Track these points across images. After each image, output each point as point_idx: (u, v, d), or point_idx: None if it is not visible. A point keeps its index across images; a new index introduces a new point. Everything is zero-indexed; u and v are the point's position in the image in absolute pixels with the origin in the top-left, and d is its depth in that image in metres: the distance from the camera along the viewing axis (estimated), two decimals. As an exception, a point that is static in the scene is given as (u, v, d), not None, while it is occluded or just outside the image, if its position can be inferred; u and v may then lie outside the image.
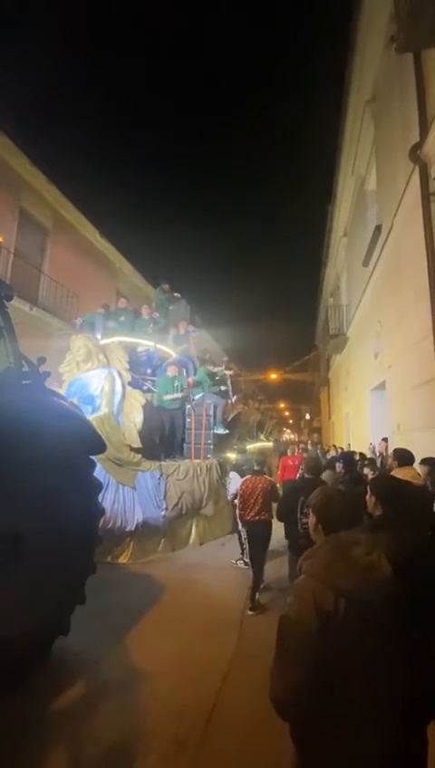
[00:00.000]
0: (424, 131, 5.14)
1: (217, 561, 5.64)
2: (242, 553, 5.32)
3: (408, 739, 1.11)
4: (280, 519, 3.56)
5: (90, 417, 5.04)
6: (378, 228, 7.83)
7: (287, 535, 3.48)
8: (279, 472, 9.16)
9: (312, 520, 1.38)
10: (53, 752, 2.23)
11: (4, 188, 9.76)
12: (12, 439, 2.65)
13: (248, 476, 4.67)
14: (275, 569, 4.92)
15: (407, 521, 1.42)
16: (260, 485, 4.43)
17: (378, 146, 8.21)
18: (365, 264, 8.95)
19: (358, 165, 10.02)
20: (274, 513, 3.99)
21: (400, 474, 3.35)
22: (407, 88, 5.72)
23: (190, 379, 7.58)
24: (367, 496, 1.81)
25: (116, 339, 7.15)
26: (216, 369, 8.41)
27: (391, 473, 3.59)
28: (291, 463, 8.84)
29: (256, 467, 4.72)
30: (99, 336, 7.30)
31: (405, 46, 4.64)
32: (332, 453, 10.41)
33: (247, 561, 4.98)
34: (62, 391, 5.81)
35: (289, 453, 9.27)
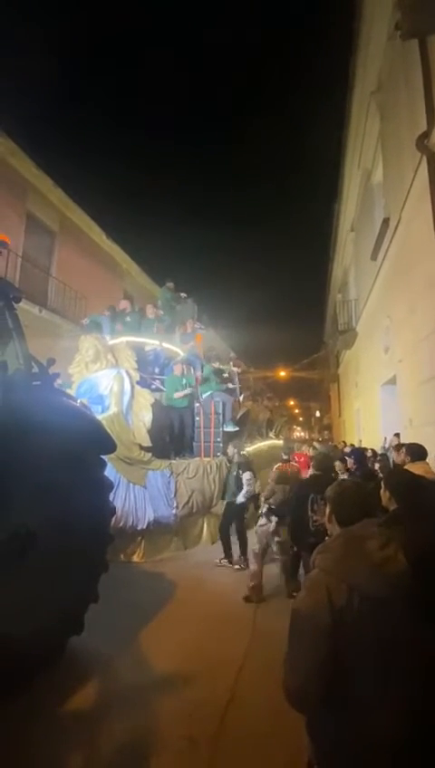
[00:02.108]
0: (431, 120, 5.04)
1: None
2: (224, 556, 5.39)
3: (422, 736, 1.09)
4: (291, 522, 3.46)
5: (99, 417, 5.07)
6: (386, 221, 7.73)
7: (295, 533, 3.40)
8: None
9: (327, 511, 1.37)
10: (68, 749, 2.24)
11: (11, 192, 9.87)
12: (23, 439, 2.67)
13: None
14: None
15: (423, 515, 1.39)
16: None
17: (384, 137, 8.09)
18: (373, 257, 8.85)
19: (364, 158, 9.91)
20: None
21: (412, 469, 3.30)
22: (413, 76, 5.62)
23: (199, 374, 7.57)
24: (381, 491, 1.78)
25: (123, 339, 7.18)
26: (223, 366, 8.39)
27: (404, 468, 3.53)
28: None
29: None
30: (106, 337, 7.33)
31: (410, 32, 4.57)
32: (347, 449, 10.22)
33: (225, 561, 5.35)
34: (71, 392, 5.85)
35: (284, 454, 8.77)
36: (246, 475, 5.50)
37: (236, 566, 5.24)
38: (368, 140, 9.24)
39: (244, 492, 5.43)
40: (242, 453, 6.28)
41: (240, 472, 5.54)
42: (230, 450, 6.01)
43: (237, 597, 4.29)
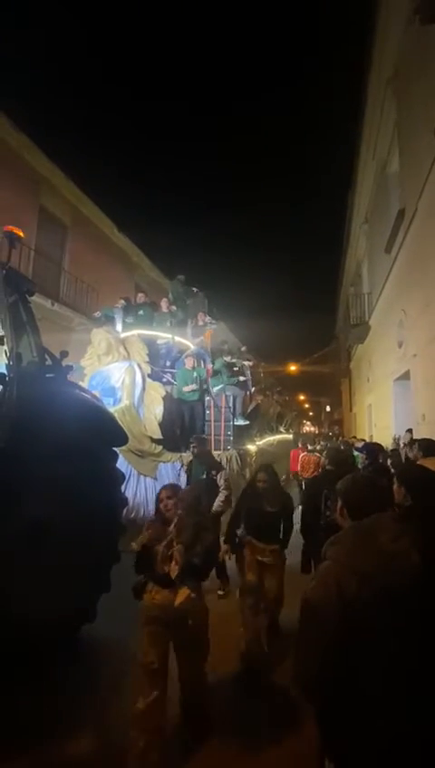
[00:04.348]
0: (451, 107, 4.90)
1: (238, 551, 5.66)
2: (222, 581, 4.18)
3: (430, 732, 1.08)
4: (304, 518, 3.35)
5: (111, 409, 5.11)
6: (401, 212, 7.57)
7: (306, 529, 3.32)
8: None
9: (338, 504, 1.37)
10: (81, 735, 2.29)
11: (23, 186, 9.92)
12: (37, 431, 2.72)
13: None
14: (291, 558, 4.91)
15: (437, 511, 1.38)
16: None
17: (400, 126, 7.90)
18: (388, 250, 8.68)
19: (379, 148, 9.69)
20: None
21: (425, 464, 3.25)
22: (431, 62, 5.46)
23: (209, 367, 7.55)
24: (395, 486, 1.76)
25: (135, 332, 7.21)
26: (234, 360, 8.36)
27: (417, 464, 3.49)
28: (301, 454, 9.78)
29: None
30: (119, 329, 7.37)
31: (430, 17, 4.41)
32: (359, 445, 10.22)
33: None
34: (84, 384, 5.91)
35: (299, 444, 10.93)
36: (222, 476, 4.41)
37: (220, 591, 4.15)
38: (383, 129, 9.03)
39: (222, 498, 4.24)
40: (205, 450, 4.80)
41: (213, 473, 4.40)
42: (198, 449, 4.61)
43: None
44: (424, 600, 1.07)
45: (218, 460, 5.18)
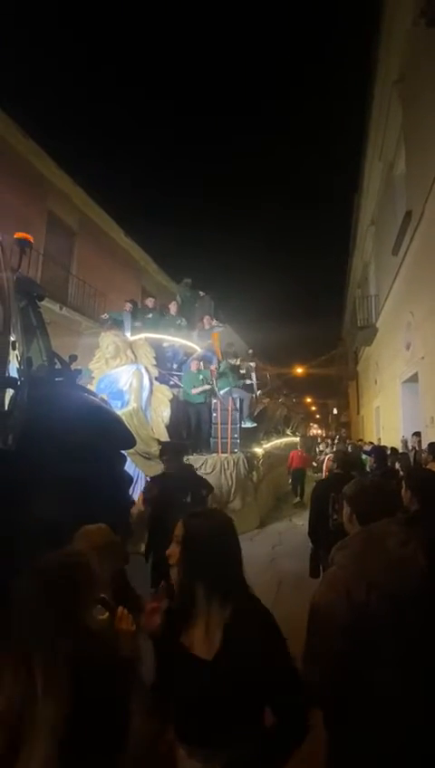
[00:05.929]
0: (458, 109, 4.89)
1: (245, 554, 5.64)
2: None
3: None
4: (311, 521, 3.24)
5: (119, 412, 5.15)
6: (408, 214, 7.54)
7: (314, 532, 3.29)
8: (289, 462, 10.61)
9: (346, 510, 1.37)
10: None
11: (32, 192, 10.07)
12: (46, 434, 2.75)
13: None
14: (299, 563, 4.89)
15: (444, 514, 1.37)
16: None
17: (407, 128, 7.89)
18: (395, 252, 8.66)
19: (386, 150, 9.67)
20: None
21: (434, 468, 3.24)
22: (438, 64, 5.46)
23: (213, 368, 7.56)
24: (402, 490, 1.76)
25: (143, 335, 7.27)
26: (239, 362, 8.38)
27: (426, 467, 3.47)
28: (300, 454, 10.62)
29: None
30: (127, 333, 7.43)
31: (436, 20, 4.42)
32: (366, 448, 10.17)
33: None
34: (92, 387, 5.96)
35: (299, 447, 11.42)
36: (212, 498, 3.44)
37: None
38: (390, 131, 9.01)
39: None
40: (184, 464, 3.65)
41: (203, 492, 3.46)
42: (172, 463, 3.40)
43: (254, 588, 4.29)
44: (432, 604, 1.08)
45: (200, 474, 4.08)
